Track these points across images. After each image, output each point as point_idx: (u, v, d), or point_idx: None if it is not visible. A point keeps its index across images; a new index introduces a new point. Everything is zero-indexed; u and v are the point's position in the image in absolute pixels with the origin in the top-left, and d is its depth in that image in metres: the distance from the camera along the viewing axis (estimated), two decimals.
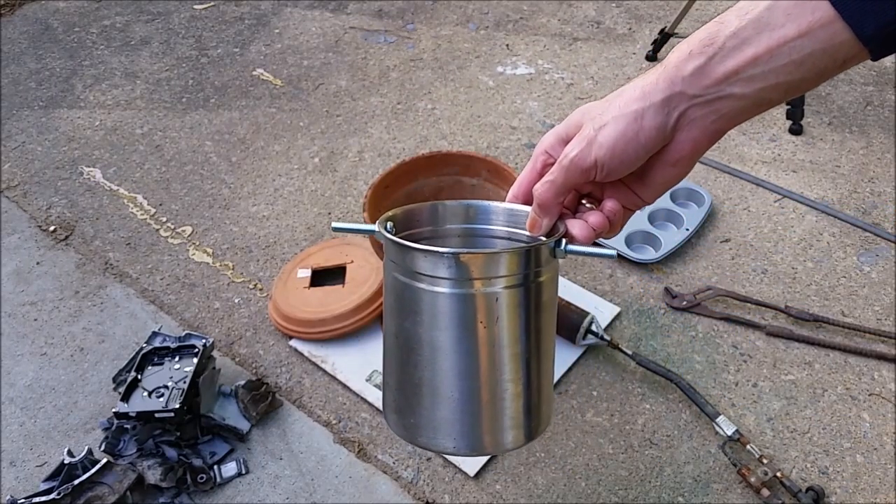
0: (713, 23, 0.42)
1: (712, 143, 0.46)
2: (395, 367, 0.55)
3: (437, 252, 0.48)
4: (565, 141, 0.49)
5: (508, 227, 0.58)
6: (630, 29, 1.98)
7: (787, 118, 1.63)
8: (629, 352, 1.17)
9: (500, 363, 0.52)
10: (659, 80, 0.44)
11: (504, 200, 0.56)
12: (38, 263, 1.43)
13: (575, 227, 0.50)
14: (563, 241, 0.50)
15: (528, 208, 0.54)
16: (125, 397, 1.07)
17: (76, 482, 0.99)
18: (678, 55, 0.43)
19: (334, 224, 0.55)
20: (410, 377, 0.53)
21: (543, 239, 0.51)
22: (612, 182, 0.50)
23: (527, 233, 0.54)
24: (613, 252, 0.50)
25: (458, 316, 0.50)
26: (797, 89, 0.42)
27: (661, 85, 0.43)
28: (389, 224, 0.54)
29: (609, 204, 0.50)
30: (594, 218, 0.50)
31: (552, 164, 0.50)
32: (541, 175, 0.51)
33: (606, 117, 0.45)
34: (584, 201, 0.53)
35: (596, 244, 0.49)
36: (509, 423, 0.53)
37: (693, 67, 0.42)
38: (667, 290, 1.30)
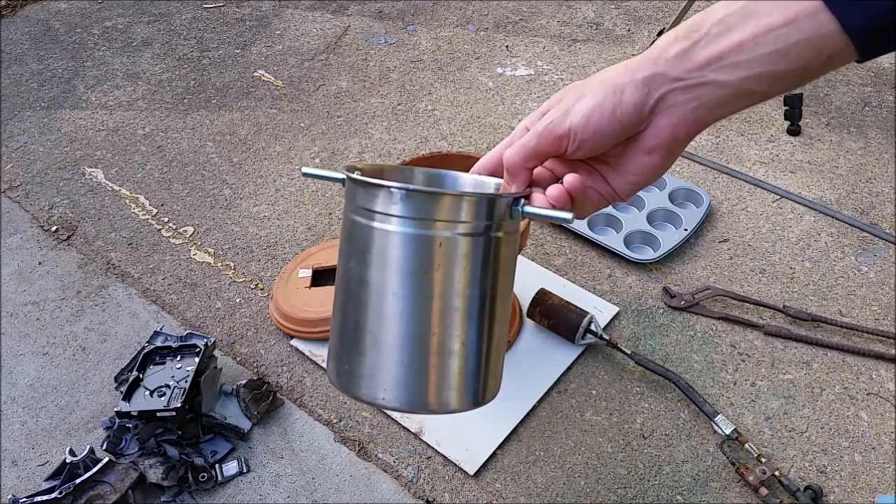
0: (701, 12, 0.43)
1: (691, 135, 0.45)
2: (338, 309, 0.53)
3: (392, 187, 0.47)
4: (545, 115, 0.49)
5: None
6: (629, 30, 1.99)
7: (785, 119, 1.63)
8: (628, 351, 1.17)
9: (448, 313, 0.49)
10: (643, 60, 0.44)
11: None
12: (39, 263, 1.43)
13: (535, 197, 0.50)
14: (522, 200, 0.49)
15: (497, 180, 0.53)
16: (127, 396, 1.08)
17: (78, 481, 1.00)
18: (665, 40, 0.44)
19: (304, 170, 0.56)
20: (350, 319, 0.51)
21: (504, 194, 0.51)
22: (584, 167, 0.50)
23: None
24: (569, 215, 0.47)
25: (407, 256, 0.48)
26: (781, 82, 0.41)
27: (644, 64, 0.44)
28: (357, 172, 0.53)
29: (570, 178, 0.48)
30: (553, 190, 0.48)
31: None
32: None
33: (587, 90, 0.46)
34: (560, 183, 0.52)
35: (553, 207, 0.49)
36: (452, 382, 0.50)
37: (677, 50, 0.43)
38: (665, 289, 1.31)
